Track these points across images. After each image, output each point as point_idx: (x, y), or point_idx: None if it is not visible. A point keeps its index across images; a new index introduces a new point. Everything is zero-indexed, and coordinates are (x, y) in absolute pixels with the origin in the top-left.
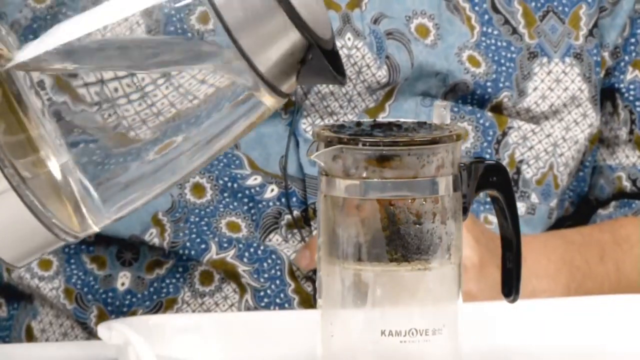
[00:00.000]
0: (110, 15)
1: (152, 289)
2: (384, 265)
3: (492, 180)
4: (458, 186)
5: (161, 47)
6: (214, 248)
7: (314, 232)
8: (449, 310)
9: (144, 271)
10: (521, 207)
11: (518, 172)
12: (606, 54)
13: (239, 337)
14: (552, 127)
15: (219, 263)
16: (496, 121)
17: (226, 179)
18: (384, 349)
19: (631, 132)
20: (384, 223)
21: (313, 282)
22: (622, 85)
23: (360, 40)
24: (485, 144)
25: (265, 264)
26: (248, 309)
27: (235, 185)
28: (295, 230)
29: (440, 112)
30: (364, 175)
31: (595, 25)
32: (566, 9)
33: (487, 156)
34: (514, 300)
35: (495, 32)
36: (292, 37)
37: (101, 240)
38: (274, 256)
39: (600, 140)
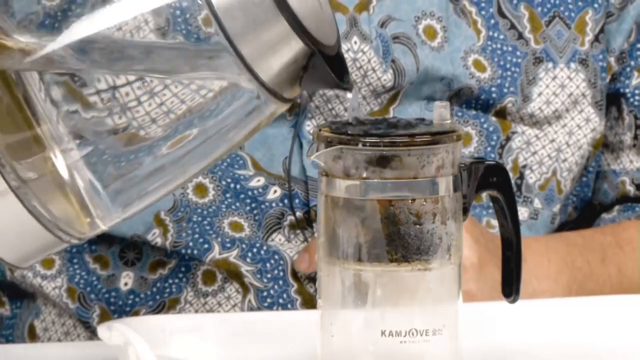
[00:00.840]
0: (121, 14)
1: (155, 289)
2: (384, 266)
3: (492, 181)
4: (458, 186)
5: (166, 52)
6: (216, 248)
7: (316, 235)
8: (449, 310)
9: (147, 271)
10: (524, 212)
11: (521, 177)
12: (612, 59)
13: (239, 337)
14: (556, 132)
15: (222, 263)
16: (500, 126)
17: (229, 180)
18: (384, 349)
19: (636, 137)
20: (384, 223)
21: (316, 283)
22: (627, 90)
23: (366, 44)
24: (489, 149)
25: (268, 264)
26: (251, 309)
27: (238, 186)
28: (298, 231)
29: (440, 112)
30: (364, 175)
31: (602, 30)
32: (572, 14)
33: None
34: (514, 301)
35: (501, 37)
36: (294, 45)
37: (104, 239)
38: (276, 256)
39: (604, 145)
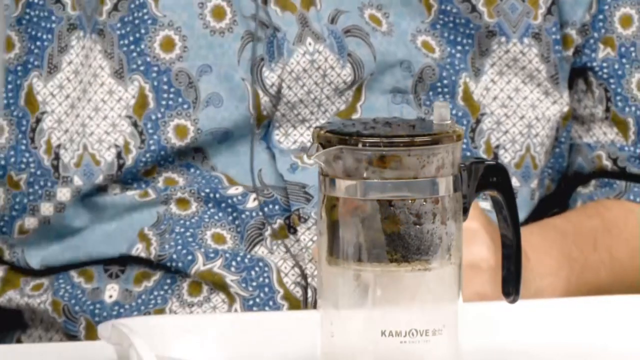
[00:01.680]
0: None
1: (140, 300)
2: (384, 266)
3: (492, 181)
4: (458, 186)
5: None
6: (200, 259)
7: (302, 241)
8: (449, 310)
9: (132, 283)
10: None
11: (495, 157)
12: (573, 32)
13: (239, 337)
14: (519, 105)
15: (207, 274)
16: (469, 109)
17: (208, 190)
18: (384, 349)
19: (607, 109)
20: (384, 223)
21: (302, 287)
22: (595, 64)
23: (320, 43)
24: None
25: (252, 272)
26: None
27: (218, 195)
28: (280, 241)
29: (440, 112)
30: (364, 175)
31: (554, 2)
32: None
33: (464, 145)
34: (514, 301)
35: (454, 10)
36: None
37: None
38: (261, 263)
39: (574, 118)
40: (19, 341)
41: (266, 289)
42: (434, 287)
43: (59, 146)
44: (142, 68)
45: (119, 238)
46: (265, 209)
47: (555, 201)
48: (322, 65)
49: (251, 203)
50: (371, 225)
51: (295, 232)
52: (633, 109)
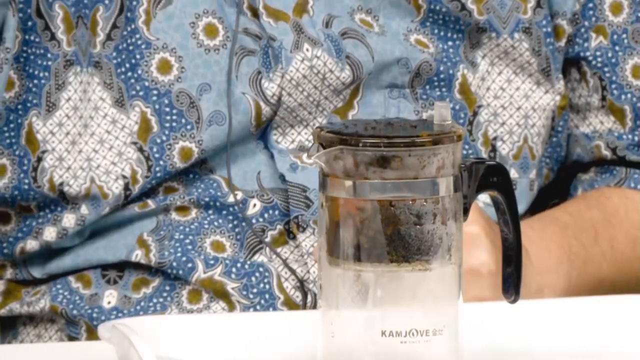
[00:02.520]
0: None
1: (138, 307)
2: (385, 266)
3: (492, 181)
4: (459, 187)
5: None
6: (200, 266)
7: (303, 247)
8: (450, 310)
9: (131, 290)
10: None
11: (494, 149)
12: (564, 22)
13: (239, 338)
14: (512, 96)
15: (208, 282)
16: (466, 102)
17: (207, 198)
18: (384, 350)
19: (603, 98)
20: (385, 224)
21: (303, 292)
22: (588, 54)
23: (317, 48)
24: None
25: (253, 278)
26: None
27: (218, 203)
28: (279, 249)
29: (440, 112)
30: (365, 175)
31: None
32: None
33: None
34: (514, 301)
35: (444, 9)
36: None
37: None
38: (261, 269)
39: (569, 107)
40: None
41: (267, 296)
42: (435, 288)
43: (61, 184)
44: (141, 93)
45: (118, 244)
46: (265, 215)
47: (556, 190)
48: (322, 69)
49: (252, 209)
50: (371, 226)
51: (294, 237)
52: (629, 96)
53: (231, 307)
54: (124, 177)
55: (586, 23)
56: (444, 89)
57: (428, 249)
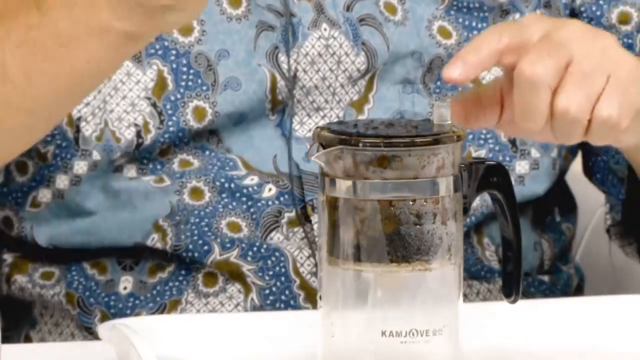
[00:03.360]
0: None
1: (155, 292)
2: (385, 266)
3: (492, 181)
4: (459, 187)
5: None
6: (216, 249)
7: (315, 228)
8: (450, 310)
9: (146, 275)
10: (524, 165)
11: None
12: None
13: (239, 337)
14: None
15: (223, 264)
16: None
17: (222, 180)
18: (384, 350)
19: None
20: (385, 224)
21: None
22: (582, 10)
23: (335, 29)
24: None
25: (269, 262)
26: (254, 307)
27: (233, 185)
28: (296, 229)
29: (440, 112)
30: (365, 175)
31: None
32: None
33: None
34: (514, 301)
35: None
36: None
37: (102, 249)
38: (277, 253)
39: None
40: (27, 338)
41: (282, 278)
42: (435, 288)
43: (79, 119)
44: (160, 52)
45: (132, 228)
46: (281, 198)
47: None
48: (337, 51)
49: (267, 193)
50: (371, 226)
51: (310, 221)
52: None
53: (247, 288)
54: (136, 125)
55: None
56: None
57: (428, 249)
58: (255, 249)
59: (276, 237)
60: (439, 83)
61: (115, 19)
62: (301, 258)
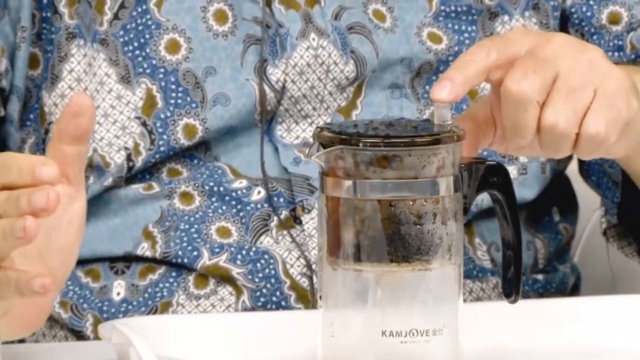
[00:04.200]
0: None
1: (146, 295)
2: (385, 266)
3: (492, 181)
4: (459, 187)
5: None
6: (205, 254)
7: (306, 230)
8: (450, 310)
9: (137, 278)
10: (512, 170)
11: None
12: None
13: (239, 338)
14: None
15: (213, 268)
16: (467, 94)
17: (212, 184)
18: (384, 349)
19: None
20: (385, 224)
21: (308, 277)
22: (572, 11)
23: (324, 38)
24: None
25: (258, 264)
26: (245, 309)
27: (222, 188)
28: (285, 232)
29: (440, 112)
30: (365, 175)
31: None
32: None
33: None
34: (514, 301)
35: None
36: None
37: (94, 259)
38: (266, 256)
39: None
40: (21, 341)
41: (272, 280)
42: (435, 287)
43: None
44: (148, 71)
45: (123, 235)
46: (270, 201)
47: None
48: (326, 60)
49: (256, 196)
50: (371, 226)
51: (300, 222)
52: (607, 38)
53: (238, 291)
54: (127, 148)
55: None
56: None
57: (428, 249)
58: (244, 252)
59: (266, 241)
60: (427, 88)
61: None
62: (291, 259)
